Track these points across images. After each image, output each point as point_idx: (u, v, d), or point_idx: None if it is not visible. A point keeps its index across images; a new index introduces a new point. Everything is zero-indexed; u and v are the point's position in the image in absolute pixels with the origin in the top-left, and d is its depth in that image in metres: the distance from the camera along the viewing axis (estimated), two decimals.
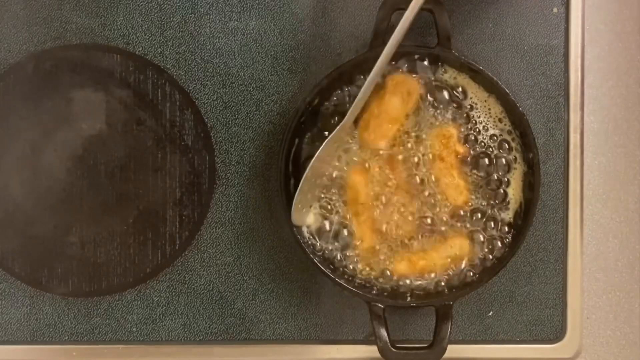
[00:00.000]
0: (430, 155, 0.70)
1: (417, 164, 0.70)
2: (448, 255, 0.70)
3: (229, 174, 0.73)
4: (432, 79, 0.70)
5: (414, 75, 0.70)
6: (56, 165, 0.72)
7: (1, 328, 0.73)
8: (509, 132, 0.70)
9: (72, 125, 0.72)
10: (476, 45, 0.74)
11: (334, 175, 0.70)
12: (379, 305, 0.69)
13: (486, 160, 0.70)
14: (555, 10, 0.74)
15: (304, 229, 0.70)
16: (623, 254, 0.77)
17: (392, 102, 0.69)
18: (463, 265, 0.70)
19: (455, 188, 0.70)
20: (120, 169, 0.72)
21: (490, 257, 0.70)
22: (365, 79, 0.69)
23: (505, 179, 0.70)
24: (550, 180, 0.74)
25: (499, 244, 0.70)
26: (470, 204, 0.70)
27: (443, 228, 0.70)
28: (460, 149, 0.70)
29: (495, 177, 0.70)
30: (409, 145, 0.70)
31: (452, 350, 0.69)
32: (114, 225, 0.72)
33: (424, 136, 0.70)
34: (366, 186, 0.70)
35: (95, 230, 0.72)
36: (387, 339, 0.68)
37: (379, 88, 0.69)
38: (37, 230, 0.72)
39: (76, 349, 0.73)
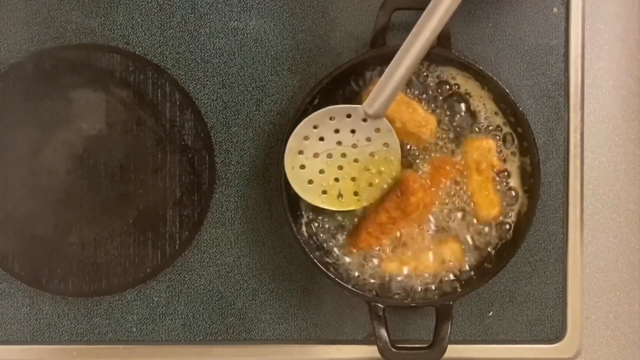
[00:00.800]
0: (467, 167, 0.70)
1: (457, 176, 0.70)
2: (438, 259, 0.70)
3: (229, 174, 0.73)
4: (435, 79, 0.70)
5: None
6: (56, 165, 0.72)
7: (1, 328, 0.73)
8: (504, 124, 0.70)
9: (72, 125, 0.72)
10: (476, 45, 0.74)
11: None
12: (379, 305, 0.68)
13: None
14: (555, 10, 0.74)
15: (303, 229, 0.70)
16: (623, 254, 0.76)
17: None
18: (455, 270, 0.70)
19: (490, 203, 0.70)
20: (120, 169, 0.72)
21: (491, 256, 0.70)
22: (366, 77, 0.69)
23: (506, 172, 0.70)
24: (550, 180, 0.74)
25: (500, 243, 0.70)
26: (501, 218, 0.70)
27: (443, 233, 0.70)
28: (496, 162, 0.70)
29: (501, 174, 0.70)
30: (447, 151, 0.70)
31: (452, 350, 0.69)
32: (114, 225, 0.72)
33: (460, 146, 0.70)
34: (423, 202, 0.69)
35: (95, 230, 0.72)
36: (387, 339, 0.68)
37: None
38: (37, 230, 0.72)
39: (76, 349, 0.73)
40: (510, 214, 0.70)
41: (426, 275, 0.70)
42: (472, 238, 0.70)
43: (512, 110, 0.69)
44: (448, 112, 0.70)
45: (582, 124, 0.74)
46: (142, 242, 0.72)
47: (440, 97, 0.70)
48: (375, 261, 0.70)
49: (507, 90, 0.69)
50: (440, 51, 0.69)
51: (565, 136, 0.74)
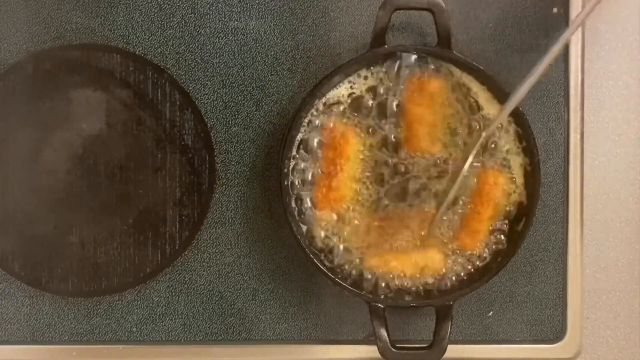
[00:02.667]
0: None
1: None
2: (418, 263, 0.70)
3: (229, 174, 0.73)
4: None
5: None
6: (56, 165, 0.72)
7: (1, 328, 0.73)
8: (509, 123, 0.70)
9: (72, 125, 0.72)
10: (476, 45, 0.74)
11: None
12: (379, 305, 0.68)
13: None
14: (555, 10, 0.74)
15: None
16: (623, 254, 0.76)
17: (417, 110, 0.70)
18: (431, 279, 0.70)
19: (476, 232, 0.70)
20: (120, 169, 0.72)
21: (490, 257, 0.70)
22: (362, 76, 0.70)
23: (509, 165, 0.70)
24: (550, 180, 0.74)
25: (499, 244, 0.70)
26: (480, 246, 0.70)
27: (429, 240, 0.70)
28: (500, 197, 0.70)
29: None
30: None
31: (452, 350, 0.69)
32: (114, 225, 0.72)
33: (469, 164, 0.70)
34: None
35: (95, 230, 0.72)
36: (387, 339, 0.68)
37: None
38: (37, 230, 0.72)
39: (76, 349, 0.73)
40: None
41: (404, 277, 0.70)
42: (445, 254, 0.70)
43: (512, 110, 0.69)
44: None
45: (582, 124, 0.74)
46: (142, 242, 0.72)
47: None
48: (356, 255, 0.70)
49: (507, 90, 0.69)
50: (441, 51, 0.69)
51: (565, 136, 0.74)
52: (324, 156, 0.69)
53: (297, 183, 0.69)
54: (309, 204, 0.69)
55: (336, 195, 0.69)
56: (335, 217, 0.69)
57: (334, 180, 0.69)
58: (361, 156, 0.69)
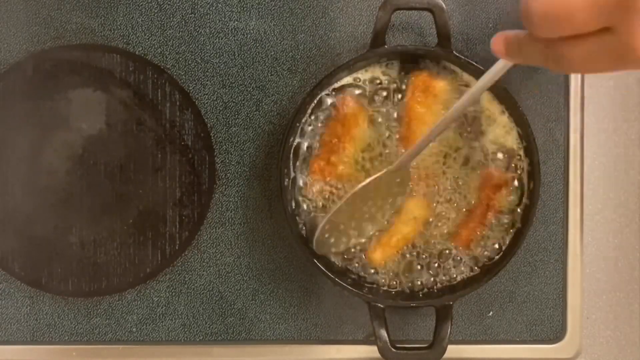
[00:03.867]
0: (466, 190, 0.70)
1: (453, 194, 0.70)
2: (410, 219, 0.70)
3: (229, 174, 0.73)
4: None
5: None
6: (56, 165, 0.72)
7: (1, 328, 0.73)
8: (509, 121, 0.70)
9: (72, 125, 0.72)
10: (476, 45, 0.74)
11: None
12: (379, 305, 0.69)
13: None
14: None
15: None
16: (623, 254, 0.77)
17: (416, 109, 0.70)
18: (430, 222, 0.70)
19: (476, 231, 0.70)
20: (120, 169, 0.72)
21: (491, 257, 0.70)
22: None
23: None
24: (550, 180, 0.74)
25: (498, 244, 0.70)
26: (479, 246, 0.71)
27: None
28: (502, 202, 0.70)
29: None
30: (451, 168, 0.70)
31: (452, 350, 0.69)
32: (114, 225, 0.72)
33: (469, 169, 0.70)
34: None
35: (95, 230, 0.72)
36: (387, 339, 0.68)
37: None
38: (37, 230, 0.72)
39: (76, 349, 0.73)
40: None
41: (399, 250, 0.70)
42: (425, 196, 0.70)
43: (513, 110, 0.69)
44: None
45: (582, 124, 0.74)
46: (142, 242, 0.72)
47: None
48: (362, 254, 0.70)
49: (507, 90, 0.69)
50: (441, 51, 0.69)
51: (565, 136, 0.74)
52: (331, 127, 0.69)
53: (302, 147, 0.70)
54: (304, 176, 0.70)
55: (332, 170, 0.69)
56: (325, 188, 0.70)
57: (333, 156, 0.69)
58: (366, 141, 0.70)
